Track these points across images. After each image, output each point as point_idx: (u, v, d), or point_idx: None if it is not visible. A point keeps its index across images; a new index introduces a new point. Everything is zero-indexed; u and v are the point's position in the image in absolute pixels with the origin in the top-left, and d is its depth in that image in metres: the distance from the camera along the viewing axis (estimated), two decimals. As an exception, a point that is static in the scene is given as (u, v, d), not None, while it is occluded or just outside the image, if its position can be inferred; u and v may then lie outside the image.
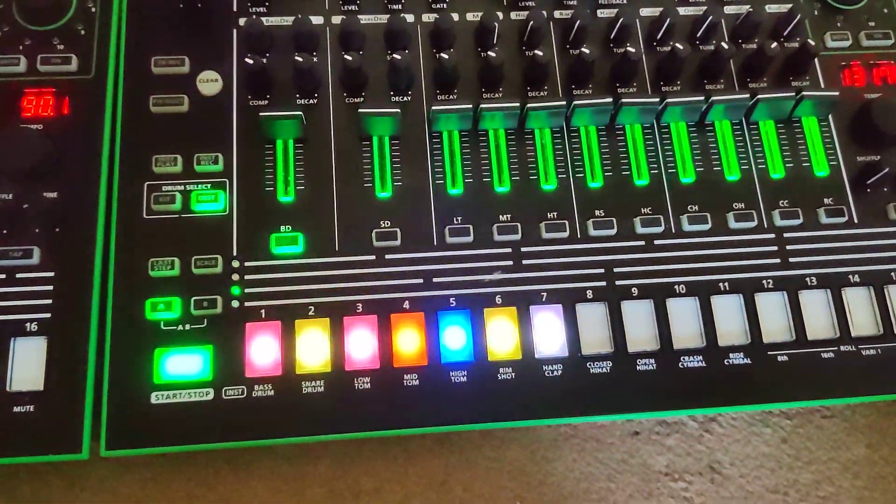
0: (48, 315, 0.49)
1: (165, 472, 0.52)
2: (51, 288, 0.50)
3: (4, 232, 0.50)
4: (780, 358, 0.52)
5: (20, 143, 0.51)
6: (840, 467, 0.56)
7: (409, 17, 0.58)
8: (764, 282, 0.54)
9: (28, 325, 0.49)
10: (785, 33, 0.60)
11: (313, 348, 0.50)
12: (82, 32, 0.55)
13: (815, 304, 0.53)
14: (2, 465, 0.49)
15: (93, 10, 0.56)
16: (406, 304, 0.51)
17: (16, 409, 0.47)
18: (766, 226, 0.55)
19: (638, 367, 0.51)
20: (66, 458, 0.47)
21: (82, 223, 0.51)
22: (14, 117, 0.53)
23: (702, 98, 0.55)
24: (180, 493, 0.52)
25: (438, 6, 0.59)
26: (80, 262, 0.50)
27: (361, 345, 0.50)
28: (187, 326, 0.50)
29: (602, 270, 0.53)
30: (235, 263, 0.51)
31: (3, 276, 0.50)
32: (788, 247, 0.55)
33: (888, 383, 0.52)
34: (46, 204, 0.51)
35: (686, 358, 0.52)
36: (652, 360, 0.51)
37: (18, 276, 0.50)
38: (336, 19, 0.58)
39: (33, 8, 0.55)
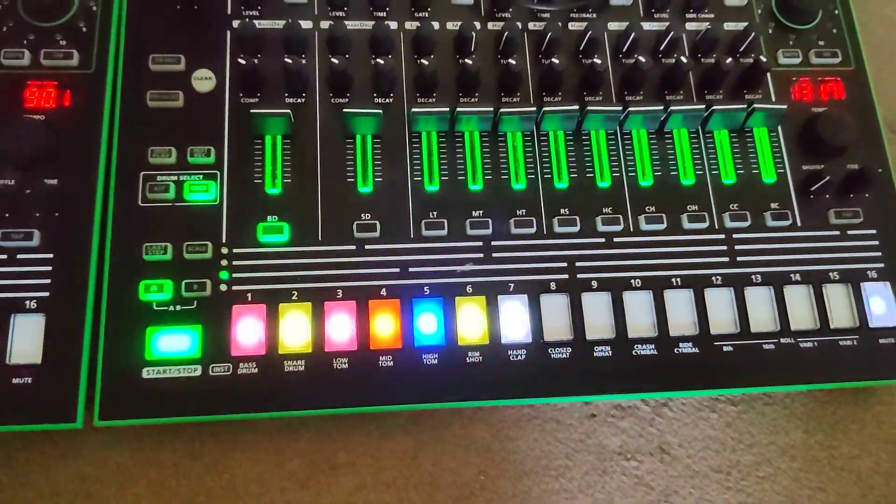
0: (47, 294, 0.50)
1: (154, 443, 0.53)
2: (50, 269, 0.51)
3: (7, 215, 0.52)
4: (725, 348, 0.55)
5: (23, 132, 0.53)
6: (779, 450, 0.57)
7: (393, 25, 0.60)
8: (713, 278, 0.56)
9: (28, 302, 0.50)
10: (741, 49, 0.62)
11: (295, 330, 0.52)
12: (84, 30, 0.56)
13: (759, 300, 0.56)
14: (1, 433, 0.50)
15: (94, 8, 0.57)
16: (383, 292, 0.53)
17: (15, 380, 0.49)
18: (716, 227, 0.57)
19: (595, 354, 0.53)
20: (61, 427, 0.48)
21: (81, 209, 0.52)
22: (18, 108, 0.54)
23: (662, 108, 0.57)
24: (167, 462, 0.53)
25: (420, 15, 0.60)
26: (77, 245, 0.52)
27: (340, 328, 0.52)
28: (178, 307, 0.51)
29: (565, 264, 0.55)
30: (224, 250, 0.53)
31: (5, 256, 0.51)
32: (737, 247, 0.57)
33: (824, 374, 0.55)
34: (47, 190, 0.53)
35: (639, 346, 0.54)
36: (608, 348, 0.53)
37: (19, 256, 0.51)
38: (324, 24, 0.59)
39: (37, 5, 0.56)
